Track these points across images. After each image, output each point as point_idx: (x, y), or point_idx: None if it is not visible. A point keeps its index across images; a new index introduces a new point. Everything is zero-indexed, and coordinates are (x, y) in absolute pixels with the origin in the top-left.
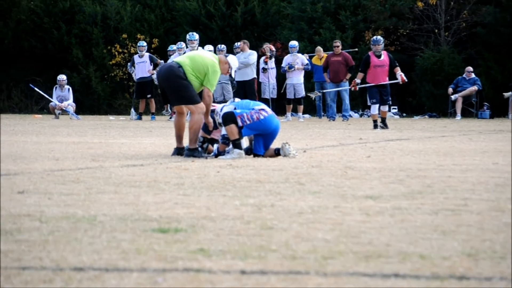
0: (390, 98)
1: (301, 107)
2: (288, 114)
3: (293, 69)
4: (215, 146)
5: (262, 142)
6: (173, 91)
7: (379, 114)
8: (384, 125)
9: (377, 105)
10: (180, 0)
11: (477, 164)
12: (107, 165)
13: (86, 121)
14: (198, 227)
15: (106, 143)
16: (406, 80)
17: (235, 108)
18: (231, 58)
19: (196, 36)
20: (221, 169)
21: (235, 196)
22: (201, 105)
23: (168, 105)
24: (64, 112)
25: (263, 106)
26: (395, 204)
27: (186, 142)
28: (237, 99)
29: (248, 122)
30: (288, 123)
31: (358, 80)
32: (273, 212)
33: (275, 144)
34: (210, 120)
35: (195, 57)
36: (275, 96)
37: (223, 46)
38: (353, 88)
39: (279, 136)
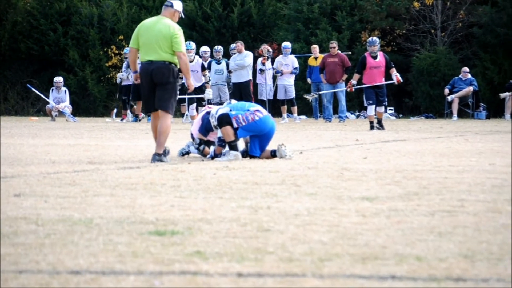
0: (386, 99)
1: (295, 108)
2: (285, 115)
3: (279, 74)
4: (212, 148)
5: (258, 144)
6: (164, 93)
7: (375, 115)
8: (380, 126)
9: (374, 106)
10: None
11: (474, 165)
12: (103, 168)
13: (83, 123)
14: (195, 229)
15: (102, 145)
16: (402, 81)
17: (230, 110)
18: (175, 4)
19: (192, 45)
20: (218, 171)
21: (231, 198)
22: (172, 113)
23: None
24: (61, 114)
25: (258, 107)
26: (392, 205)
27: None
28: (233, 101)
29: (243, 124)
30: (284, 125)
31: (354, 81)
32: (270, 214)
33: (271, 146)
34: (191, 82)
35: (159, 44)
36: (272, 97)
37: (219, 47)
38: (349, 89)
39: (275, 137)
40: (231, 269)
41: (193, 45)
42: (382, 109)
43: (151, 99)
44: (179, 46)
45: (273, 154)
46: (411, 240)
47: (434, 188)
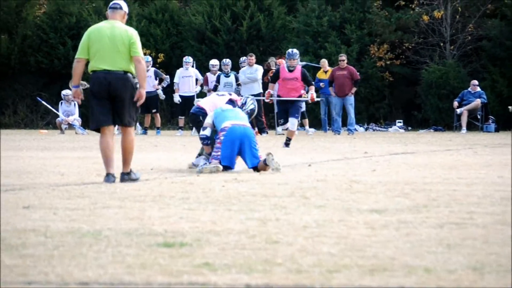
0: (298, 116)
1: (306, 121)
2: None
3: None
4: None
5: (245, 155)
6: (126, 109)
7: (286, 130)
8: (286, 145)
9: (286, 124)
10: (185, 15)
11: (482, 178)
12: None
13: (92, 136)
14: (203, 241)
15: None
16: (316, 100)
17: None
18: (123, 5)
19: (148, 58)
20: (226, 183)
21: (240, 210)
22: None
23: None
24: (71, 126)
25: (225, 123)
26: (400, 217)
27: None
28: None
29: (219, 153)
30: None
31: (272, 91)
32: (278, 226)
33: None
34: (143, 92)
35: (118, 50)
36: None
37: (228, 60)
38: (268, 100)
39: (267, 147)
40: (239, 280)
41: (148, 58)
42: (294, 127)
43: (105, 112)
44: (138, 50)
45: (266, 163)
46: (420, 252)
47: (443, 200)
